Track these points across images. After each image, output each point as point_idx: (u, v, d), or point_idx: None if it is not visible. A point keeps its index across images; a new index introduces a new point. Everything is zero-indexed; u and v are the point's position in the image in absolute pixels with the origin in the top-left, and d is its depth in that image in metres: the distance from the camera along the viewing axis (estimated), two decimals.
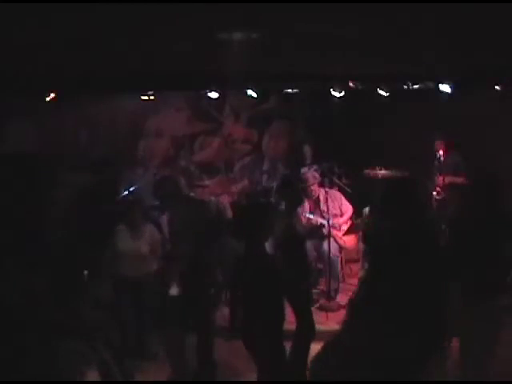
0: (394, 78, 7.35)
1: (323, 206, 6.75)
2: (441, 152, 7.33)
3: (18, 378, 2.35)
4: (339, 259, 6.90)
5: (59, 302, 2.63)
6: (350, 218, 6.97)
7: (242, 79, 7.19)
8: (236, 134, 9.29)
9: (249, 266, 4.03)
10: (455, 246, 4.10)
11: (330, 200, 6.71)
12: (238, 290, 4.19)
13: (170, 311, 5.09)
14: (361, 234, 6.67)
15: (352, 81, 7.38)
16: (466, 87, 7.25)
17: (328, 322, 5.86)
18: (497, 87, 7.04)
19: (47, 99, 7.28)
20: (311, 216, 6.74)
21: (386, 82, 7.44)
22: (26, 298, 2.45)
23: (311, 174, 6.95)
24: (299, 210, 6.33)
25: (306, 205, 6.74)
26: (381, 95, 7.52)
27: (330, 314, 6.10)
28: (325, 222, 6.61)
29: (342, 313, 3.97)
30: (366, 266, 3.30)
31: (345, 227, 6.88)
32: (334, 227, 6.71)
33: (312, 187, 6.72)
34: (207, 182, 8.55)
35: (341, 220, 6.85)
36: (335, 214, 6.80)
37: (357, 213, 7.05)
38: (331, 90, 7.55)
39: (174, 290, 5.05)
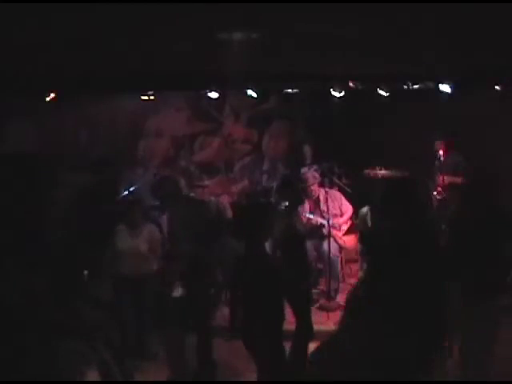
0: (394, 78, 7.35)
1: (323, 206, 6.75)
2: (441, 152, 7.33)
3: (18, 378, 2.35)
4: (339, 259, 6.90)
5: (59, 302, 2.63)
6: (350, 218, 6.98)
7: (242, 79, 7.19)
8: (236, 134, 9.28)
9: (249, 266, 4.03)
10: (455, 245, 4.10)
11: (330, 200, 6.71)
12: (238, 290, 4.19)
13: (169, 311, 5.10)
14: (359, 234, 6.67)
15: (352, 81, 7.38)
16: (466, 87, 7.26)
17: (328, 322, 5.86)
18: (497, 87, 7.04)
19: (47, 99, 7.28)
20: (311, 216, 6.74)
21: (386, 81, 7.44)
22: (25, 298, 2.45)
23: (311, 173, 6.94)
24: (299, 209, 6.33)
25: (306, 205, 6.74)
26: (381, 95, 7.52)
27: (330, 314, 6.10)
28: (325, 222, 6.61)
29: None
30: (365, 265, 3.30)
31: (345, 227, 6.89)
32: (334, 227, 6.72)
33: (312, 187, 6.72)
34: (207, 182, 8.55)
35: (341, 220, 6.85)
36: (335, 214, 6.80)
37: (357, 213, 7.06)
38: (331, 89, 7.55)
39: (174, 290, 5.05)
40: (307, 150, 8.29)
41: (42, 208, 2.69)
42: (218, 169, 9.20)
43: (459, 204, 4.64)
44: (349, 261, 7.53)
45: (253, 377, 4.23)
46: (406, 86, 7.38)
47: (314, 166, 7.45)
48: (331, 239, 6.58)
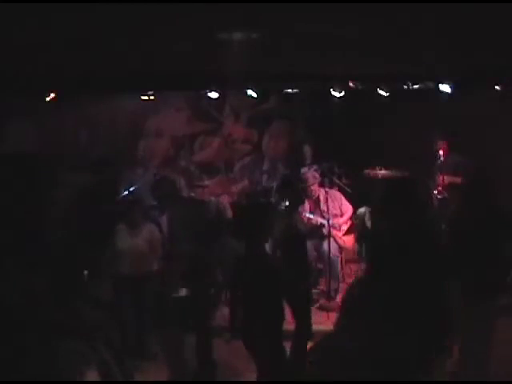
0: (394, 78, 7.35)
1: (323, 206, 6.75)
2: (441, 152, 7.33)
3: (18, 378, 2.35)
4: (339, 259, 6.90)
5: (59, 302, 2.63)
6: (350, 218, 6.97)
7: (242, 79, 7.18)
8: (236, 134, 9.28)
9: (249, 266, 4.03)
10: (455, 245, 4.10)
11: (330, 200, 6.71)
12: (238, 290, 4.20)
13: (169, 311, 5.10)
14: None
15: (352, 81, 7.38)
16: (466, 87, 7.26)
17: (328, 322, 5.85)
18: (497, 87, 7.04)
19: (47, 99, 7.28)
20: (311, 216, 6.74)
21: (386, 81, 7.44)
22: (26, 298, 2.45)
23: (311, 173, 6.95)
24: (299, 209, 6.33)
25: (306, 205, 6.74)
26: (381, 95, 7.52)
27: (330, 314, 6.09)
28: (325, 222, 6.61)
29: None
30: (363, 265, 3.31)
31: (345, 227, 6.89)
32: (334, 227, 6.72)
33: (312, 187, 6.72)
34: (207, 182, 8.55)
35: (341, 220, 6.85)
36: (335, 214, 6.80)
37: (357, 213, 7.06)
38: (331, 89, 7.54)
39: (174, 290, 5.06)
40: (307, 149, 8.28)
41: (41, 208, 2.69)
42: (218, 169, 9.20)
43: (459, 204, 4.64)
44: (349, 261, 7.53)
45: (253, 377, 4.23)
46: (406, 86, 7.38)
47: (314, 166, 7.45)
48: (331, 239, 6.58)
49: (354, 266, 7.52)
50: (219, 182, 9.01)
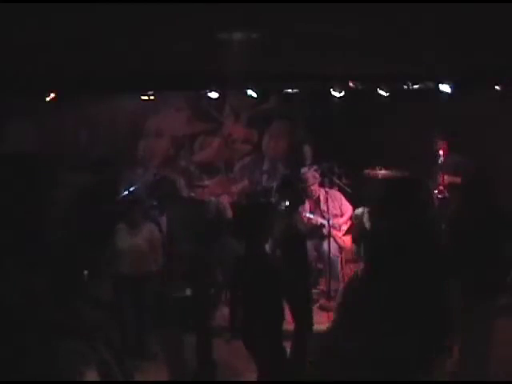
0: (394, 78, 7.35)
1: (323, 206, 6.75)
2: (441, 152, 7.33)
3: (18, 378, 2.35)
4: (339, 259, 6.89)
5: (59, 301, 2.63)
6: (350, 218, 6.97)
7: (242, 79, 7.18)
8: (236, 134, 9.28)
9: (249, 266, 4.03)
10: (455, 245, 4.10)
11: (330, 200, 6.71)
12: (238, 290, 4.20)
13: (169, 311, 5.10)
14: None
15: (352, 81, 7.37)
16: (466, 87, 7.25)
17: (328, 322, 5.86)
18: (497, 87, 7.04)
19: (47, 99, 7.27)
20: (311, 216, 6.74)
21: (386, 81, 7.44)
22: (26, 298, 2.45)
23: (311, 173, 6.94)
24: (299, 210, 6.33)
25: (306, 205, 6.74)
26: (381, 95, 7.51)
27: (330, 314, 6.09)
28: (325, 222, 6.61)
29: None
30: (362, 265, 3.30)
31: (345, 227, 6.88)
32: (334, 227, 6.72)
33: (312, 187, 6.72)
34: (207, 182, 8.55)
35: (341, 220, 6.85)
36: (335, 214, 6.80)
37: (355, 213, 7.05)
38: (331, 89, 7.54)
39: (174, 290, 5.06)
40: (307, 150, 8.29)
41: (42, 208, 2.69)
42: (218, 169, 9.20)
43: (459, 204, 4.64)
44: (349, 261, 7.52)
45: (253, 377, 4.23)
46: (406, 86, 7.38)
47: (314, 166, 7.45)
48: (331, 239, 6.58)
49: (353, 266, 7.51)
50: (219, 182, 9.01)
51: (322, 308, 6.37)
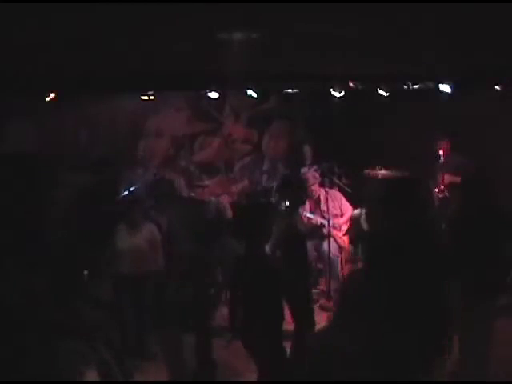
0: (394, 78, 7.35)
1: (323, 206, 6.75)
2: (441, 152, 7.33)
3: (18, 378, 2.35)
4: (339, 259, 6.90)
5: (59, 301, 2.63)
6: (350, 218, 6.97)
7: (242, 79, 7.18)
8: (236, 134, 9.28)
9: (249, 266, 4.03)
10: (455, 245, 4.10)
11: (330, 200, 6.72)
12: (238, 290, 4.19)
13: (169, 311, 5.10)
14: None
15: (352, 81, 7.38)
16: (466, 87, 7.26)
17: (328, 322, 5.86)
18: (497, 87, 7.04)
19: (47, 99, 7.27)
20: (311, 216, 6.75)
21: (386, 82, 7.44)
22: (26, 298, 2.45)
23: (311, 174, 6.95)
24: (299, 210, 6.33)
25: (307, 205, 6.74)
26: (381, 95, 7.52)
27: (330, 314, 6.09)
28: (325, 222, 6.62)
29: None
30: (359, 265, 3.30)
31: (345, 227, 6.88)
32: (334, 227, 6.72)
33: (312, 187, 6.72)
34: (207, 182, 8.55)
35: (341, 220, 6.85)
36: (335, 214, 6.80)
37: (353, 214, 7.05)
38: (331, 89, 7.54)
39: (173, 290, 5.06)
40: (307, 150, 8.29)
41: (42, 208, 2.69)
42: (218, 169, 9.21)
43: (459, 204, 4.64)
44: (349, 261, 7.52)
45: (253, 377, 4.23)
46: (406, 86, 7.39)
47: (314, 166, 7.46)
48: (331, 239, 6.58)
49: (354, 266, 7.51)
50: (219, 182, 9.01)
51: (322, 308, 6.38)
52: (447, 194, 7.10)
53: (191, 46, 5.19)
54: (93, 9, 3.74)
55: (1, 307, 2.39)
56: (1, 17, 3.86)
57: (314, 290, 6.57)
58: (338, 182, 7.65)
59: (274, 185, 7.77)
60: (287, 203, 5.02)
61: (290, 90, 8.26)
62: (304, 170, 7.48)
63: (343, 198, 7.01)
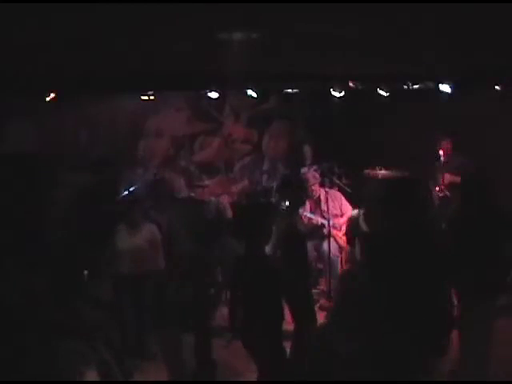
0: (394, 78, 7.35)
1: (324, 206, 6.75)
2: (441, 152, 7.33)
3: (18, 378, 2.35)
4: (339, 259, 6.90)
5: (59, 302, 2.63)
6: (349, 219, 6.96)
7: (242, 79, 7.18)
8: (236, 134, 9.28)
9: (249, 265, 4.03)
10: (455, 245, 4.10)
11: (330, 200, 6.72)
12: (238, 290, 4.19)
13: (169, 311, 5.10)
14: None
15: (352, 81, 7.38)
16: (466, 87, 7.26)
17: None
18: (497, 87, 7.04)
19: (47, 99, 7.27)
20: (312, 216, 6.75)
21: (386, 82, 7.44)
22: (26, 298, 2.45)
23: (311, 174, 6.95)
24: (299, 210, 6.33)
25: (307, 205, 6.74)
26: (381, 95, 7.52)
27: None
28: (325, 222, 6.62)
29: None
30: (357, 265, 3.30)
31: (345, 227, 6.88)
32: (335, 227, 6.72)
33: (312, 187, 6.73)
34: (207, 182, 8.55)
35: (341, 220, 6.85)
36: (335, 214, 6.80)
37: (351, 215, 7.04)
38: (331, 89, 7.54)
39: (173, 290, 5.05)
40: (307, 150, 8.29)
41: (42, 208, 2.69)
42: (218, 169, 9.21)
43: (459, 204, 4.64)
44: (349, 261, 7.52)
45: (253, 377, 4.23)
46: (406, 86, 7.39)
47: (314, 166, 7.46)
48: (331, 239, 6.58)
49: (353, 266, 7.51)
50: (219, 182, 9.01)
51: (322, 308, 6.37)
52: (447, 193, 7.10)
53: (191, 45, 5.19)
54: (93, 9, 3.75)
55: (1, 307, 2.39)
56: (1, 17, 3.86)
57: (314, 290, 6.56)
58: (338, 182, 7.64)
59: (274, 185, 7.77)
60: (287, 203, 5.02)
61: (290, 90, 8.26)
62: (304, 170, 7.48)
63: (343, 198, 7.01)
